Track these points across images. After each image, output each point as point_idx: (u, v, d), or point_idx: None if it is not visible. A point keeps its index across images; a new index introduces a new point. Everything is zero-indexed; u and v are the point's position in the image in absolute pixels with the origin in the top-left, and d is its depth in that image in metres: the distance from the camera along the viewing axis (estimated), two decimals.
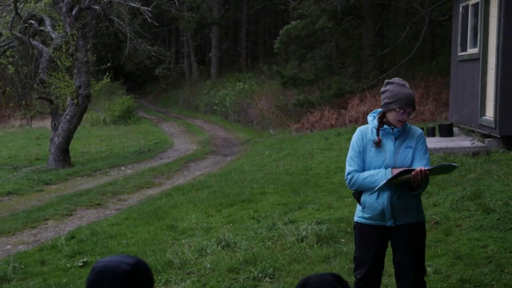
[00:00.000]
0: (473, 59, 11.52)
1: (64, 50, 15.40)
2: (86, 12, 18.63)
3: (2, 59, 16.36)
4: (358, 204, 4.25)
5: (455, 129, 12.28)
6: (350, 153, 4.20)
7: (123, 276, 2.25)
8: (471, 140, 10.85)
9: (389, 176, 3.99)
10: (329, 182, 9.93)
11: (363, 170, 4.14)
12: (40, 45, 16.32)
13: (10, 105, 18.78)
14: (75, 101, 15.55)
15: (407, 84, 4.12)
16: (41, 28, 16.43)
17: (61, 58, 15.36)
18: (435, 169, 4.03)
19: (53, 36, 15.74)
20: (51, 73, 15.73)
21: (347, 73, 20.14)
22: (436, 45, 22.02)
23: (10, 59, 16.36)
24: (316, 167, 11.51)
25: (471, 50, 11.74)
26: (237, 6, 35.81)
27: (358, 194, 4.22)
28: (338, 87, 18.34)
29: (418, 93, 16.74)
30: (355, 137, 4.21)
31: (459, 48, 12.54)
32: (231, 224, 7.82)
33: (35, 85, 15.91)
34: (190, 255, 6.53)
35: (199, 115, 29.61)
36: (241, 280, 5.71)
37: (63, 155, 15.74)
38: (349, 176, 4.15)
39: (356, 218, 4.27)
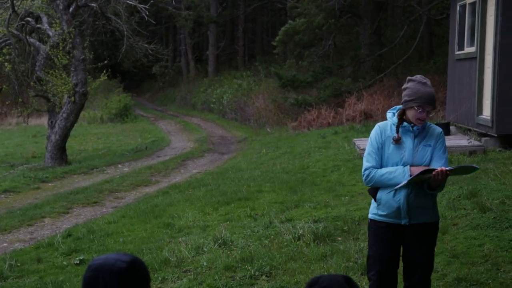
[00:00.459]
0: (470, 58, 11.53)
1: (61, 48, 15.37)
2: (83, 10, 18.60)
3: None
4: (373, 201, 4.21)
5: (452, 128, 12.29)
6: (368, 149, 4.17)
7: (119, 274, 2.25)
8: (468, 139, 10.87)
9: (407, 174, 3.97)
10: (326, 180, 9.93)
11: (381, 166, 4.11)
12: (37, 43, 16.28)
13: (7, 102, 18.72)
14: (72, 98, 15.53)
15: (428, 82, 4.08)
16: (38, 25, 16.39)
17: (58, 56, 15.33)
18: (456, 170, 4.01)
19: (50, 33, 15.71)
20: (48, 70, 15.70)
21: (345, 73, 20.14)
22: (434, 44, 22.03)
23: (7, 57, 16.31)
24: (313, 165, 11.51)
25: (468, 49, 11.75)
26: (235, 4, 35.80)
27: (373, 190, 4.18)
28: (335, 87, 18.36)
29: None
30: (374, 133, 4.18)
31: (456, 47, 12.55)
32: (228, 222, 7.82)
33: (32, 83, 15.88)
34: (186, 253, 6.53)
35: (196, 113, 29.60)
36: (237, 278, 5.71)
37: (60, 153, 15.71)
38: (367, 172, 4.11)
39: (370, 215, 4.24)
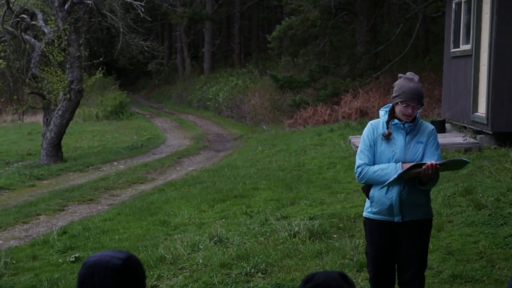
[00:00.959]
0: (465, 55, 11.54)
1: (56, 45, 15.33)
2: (78, 7, 18.58)
3: None
4: (367, 199, 4.26)
5: (448, 126, 12.31)
6: (361, 146, 4.22)
7: (115, 271, 2.25)
8: (463, 137, 10.89)
9: (400, 170, 4.00)
10: (322, 177, 9.94)
11: (374, 164, 4.15)
12: (32, 40, 16.24)
13: (2, 100, 18.64)
14: (68, 96, 15.49)
15: (416, 78, 4.12)
16: (33, 22, 16.34)
17: (54, 53, 15.29)
18: (446, 164, 4.00)
19: (45, 30, 15.66)
20: (43, 67, 15.66)
21: (341, 72, 20.15)
22: (429, 42, 22.05)
23: (2, 54, 16.26)
24: (308, 163, 11.52)
25: (464, 47, 11.77)
26: (230, 1, 35.75)
27: (367, 188, 4.22)
28: (334, 87, 18.37)
29: None
30: (366, 130, 4.23)
31: (451, 44, 12.56)
32: (223, 220, 7.82)
33: (27, 80, 15.83)
34: (182, 250, 6.52)
35: (192, 111, 29.58)
36: (233, 275, 5.71)
37: (55, 150, 15.69)
38: (359, 169, 4.15)
39: (364, 213, 4.29)
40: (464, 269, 5.32)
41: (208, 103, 27.76)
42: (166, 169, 13.96)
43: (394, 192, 4.09)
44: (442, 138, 10.99)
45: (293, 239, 6.52)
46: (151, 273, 5.99)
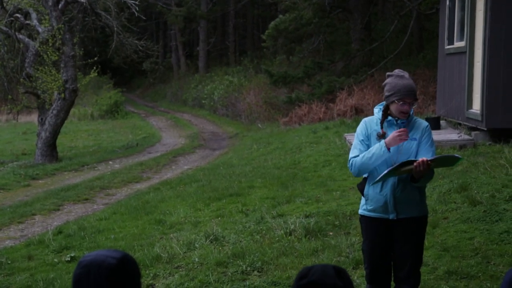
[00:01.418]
0: (460, 52, 11.57)
1: (50, 44, 15.28)
2: (72, 6, 18.50)
3: None
4: (362, 197, 4.27)
5: (442, 122, 12.34)
6: (354, 142, 4.23)
7: (110, 270, 2.25)
8: (458, 133, 10.91)
9: (383, 146, 4.00)
10: (317, 175, 9.95)
11: None
12: (26, 39, 16.18)
13: None
14: (62, 95, 15.46)
15: (406, 75, 4.13)
16: (27, 21, 16.29)
17: (48, 52, 15.25)
18: (438, 160, 4.00)
19: (40, 30, 15.62)
20: (37, 67, 15.61)
21: (336, 69, 20.16)
22: (424, 39, 22.09)
23: None
24: (304, 160, 11.53)
25: (458, 44, 11.79)
26: None
27: (362, 185, 4.23)
28: (329, 84, 18.38)
29: None
30: (360, 127, 4.24)
31: (446, 41, 12.58)
32: (219, 218, 7.82)
33: (21, 80, 15.78)
34: (178, 249, 6.52)
35: (187, 109, 29.55)
36: (229, 273, 5.71)
37: (50, 150, 15.65)
38: (351, 162, 4.16)
39: (360, 211, 4.30)
40: (459, 265, 5.33)
41: (203, 101, 27.74)
42: (161, 168, 13.95)
43: (388, 190, 4.10)
44: (437, 135, 11.01)
45: (289, 237, 6.53)
46: (147, 272, 5.98)
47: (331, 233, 6.61)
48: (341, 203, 7.72)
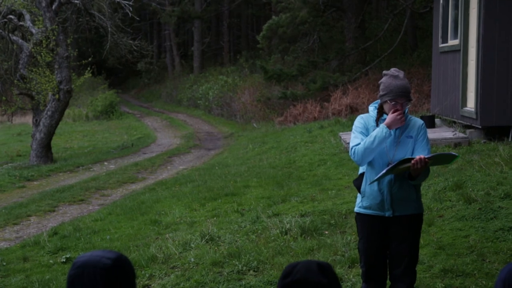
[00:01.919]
0: (454, 50, 11.59)
1: (44, 45, 15.25)
2: (66, 7, 18.47)
3: None
4: (358, 195, 4.27)
5: (437, 121, 12.36)
6: (353, 133, 4.22)
7: (104, 271, 2.24)
8: (453, 131, 10.93)
9: (385, 128, 4.01)
10: (313, 174, 9.95)
11: None
12: (20, 40, 16.14)
13: None
14: (56, 96, 15.42)
15: (401, 75, 4.13)
16: (21, 23, 16.24)
17: (42, 53, 15.21)
18: (435, 158, 4.01)
19: (33, 31, 15.58)
20: (31, 68, 15.57)
21: (330, 67, 20.18)
22: (418, 37, 22.13)
23: None
24: (299, 160, 11.53)
25: (452, 42, 11.81)
26: None
27: (358, 182, 4.24)
28: (324, 81, 18.39)
29: None
30: (358, 120, 4.25)
31: (440, 39, 12.61)
32: (215, 218, 7.82)
33: (15, 81, 15.74)
34: (174, 249, 6.51)
35: (182, 110, 29.52)
36: (225, 273, 5.71)
37: (45, 151, 15.61)
38: (353, 150, 4.13)
39: (356, 209, 4.30)
40: (455, 263, 5.34)
41: (198, 101, 27.72)
42: (156, 168, 13.93)
43: (385, 187, 4.12)
44: (432, 133, 11.03)
45: (285, 236, 6.53)
46: (143, 272, 5.97)
47: (326, 232, 6.61)
48: (337, 202, 7.72)
